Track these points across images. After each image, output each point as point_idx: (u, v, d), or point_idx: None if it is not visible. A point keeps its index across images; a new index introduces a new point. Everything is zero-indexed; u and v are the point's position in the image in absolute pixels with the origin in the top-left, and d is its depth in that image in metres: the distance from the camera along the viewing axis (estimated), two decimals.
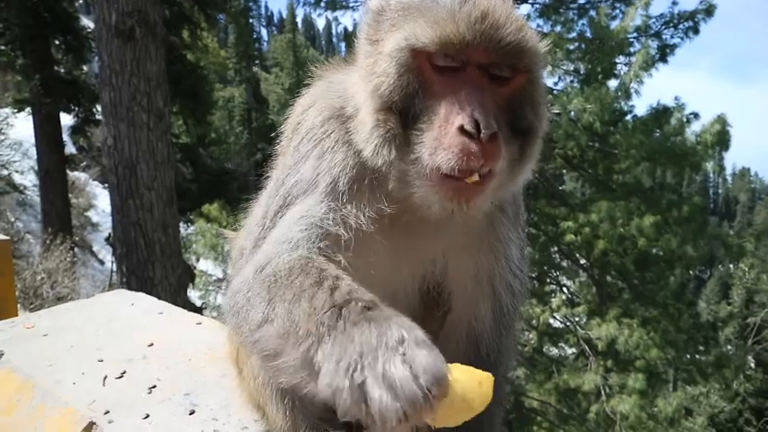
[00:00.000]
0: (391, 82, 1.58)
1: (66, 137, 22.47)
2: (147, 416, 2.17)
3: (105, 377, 2.42)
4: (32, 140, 21.67)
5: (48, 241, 15.88)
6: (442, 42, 1.52)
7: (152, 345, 2.75)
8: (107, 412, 2.17)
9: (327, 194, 1.72)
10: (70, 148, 24.83)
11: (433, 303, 2.02)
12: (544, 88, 1.74)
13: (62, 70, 21.08)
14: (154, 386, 2.38)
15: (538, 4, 18.40)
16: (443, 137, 1.50)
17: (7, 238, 4.69)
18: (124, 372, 2.48)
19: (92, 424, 2.11)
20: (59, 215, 20.16)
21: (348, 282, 1.47)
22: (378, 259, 1.78)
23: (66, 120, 21.98)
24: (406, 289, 1.96)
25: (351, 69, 1.86)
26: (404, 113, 1.58)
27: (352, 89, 1.76)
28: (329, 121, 1.81)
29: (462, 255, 1.89)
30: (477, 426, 1.52)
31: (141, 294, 3.46)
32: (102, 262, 26.55)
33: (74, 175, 25.89)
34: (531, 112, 1.67)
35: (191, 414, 2.23)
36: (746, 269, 35.78)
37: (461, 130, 1.47)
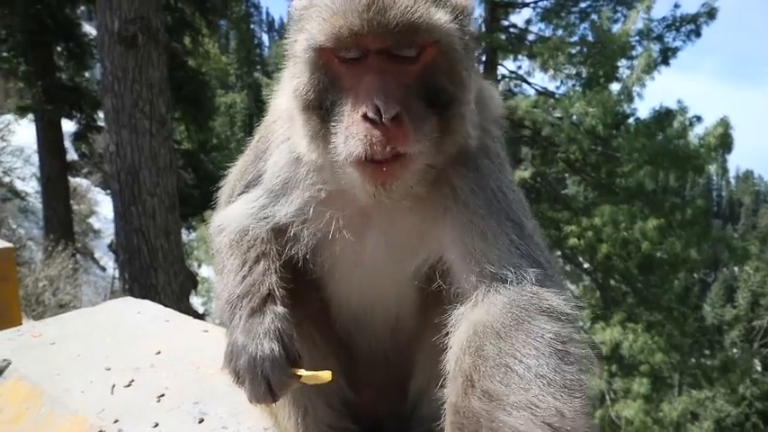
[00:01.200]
0: (305, 81, 1.68)
1: (68, 143, 22.49)
2: (157, 424, 2.15)
3: (114, 385, 2.39)
4: (34, 147, 21.71)
5: (49, 248, 15.88)
6: (336, 38, 1.57)
7: (159, 353, 2.73)
8: (116, 421, 2.15)
9: (266, 190, 1.93)
10: (72, 155, 24.83)
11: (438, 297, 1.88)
12: (462, 53, 1.68)
13: (64, 77, 21.12)
14: (162, 395, 2.35)
15: (539, 8, 18.43)
16: (351, 126, 1.57)
17: (11, 245, 4.67)
18: (132, 380, 2.45)
19: None
20: (61, 222, 20.17)
21: (265, 265, 1.83)
22: (354, 257, 1.86)
23: (69, 126, 22.03)
24: (395, 283, 1.93)
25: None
26: (321, 109, 1.66)
27: (285, 95, 1.88)
28: (274, 123, 1.99)
29: (444, 242, 1.78)
30: None
31: (147, 302, 3.44)
32: (103, 269, 26.54)
33: (75, 181, 25.89)
34: (449, 81, 1.65)
35: (200, 422, 2.20)
36: (751, 272, 35.71)
37: (365, 117, 1.52)
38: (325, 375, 1.69)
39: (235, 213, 1.98)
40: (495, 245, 1.69)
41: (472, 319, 1.64)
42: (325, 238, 1.84)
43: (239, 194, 2.04)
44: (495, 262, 1.67)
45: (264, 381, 1.66)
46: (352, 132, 1.55)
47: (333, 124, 1.63)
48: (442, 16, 1.59)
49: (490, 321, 1.59)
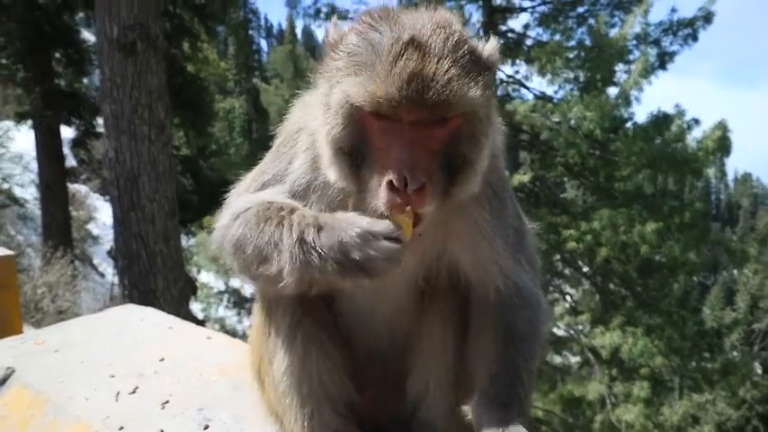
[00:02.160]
0: (339, 130, 1.77)
1: (66, 150, 22.47)
2: (162, 431, 2.15)
3: (118, 393, 2.40)
4: (33, 153, 21.68)
5: (48, 254, 15.84)
6: (373, 105, 1.67)
7: (163, 359, 2.73)
8: (121, 428, 2.15)
9: (288, 191, 2.00)
10: (71, 161, 24.82)
11: (455, 298, 2.08)
12: (486, 122, 1.84)
13: (63, 83, 21.12)
14: (167, 401, 2.35)
15: (537, 13, 18.50)
16: (379, 187, 1.71)
17: (11, 252, 4.68)
18: (136, 387, 2.45)
19: None
20: (60, 228, 20.11)
21: (300, 212, 1.83)
22: None
23: (67, 132, 22.01)
24: (398, 285, 2.05)
25: (315, 90, 2.01)
26: (352, 156, 1.78)
27: (314, 115, 1.93)
28: (298, 131, 2.06)
29: (452, 250, 2.00)
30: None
31: (150, 309, 3.44)
32: (102, 275, 26.48)
33: (74, 187, 25.84)
34: (468, 147, 1.79)
35: (205, 429, 2.21)
36: (750, 274, 35.74)
37: (391, 185, 1.67)
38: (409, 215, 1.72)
39: (252, 198, 2.02)
40: (503, 258, 1.97)
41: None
42: None
43: (254, 192, 2.08)
44: (502, 276, 1.97)
45: (381, 239, 1.67)
46: (379, 192, 1.71)
47: (364, 170, 1.77)
48: (474, 91, 1.71)
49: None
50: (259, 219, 1.87)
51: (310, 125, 1.97)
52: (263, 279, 1.86)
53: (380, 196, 1.70)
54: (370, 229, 1.68)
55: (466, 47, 1.73)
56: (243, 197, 2.10)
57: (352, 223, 1.71)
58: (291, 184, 2.01)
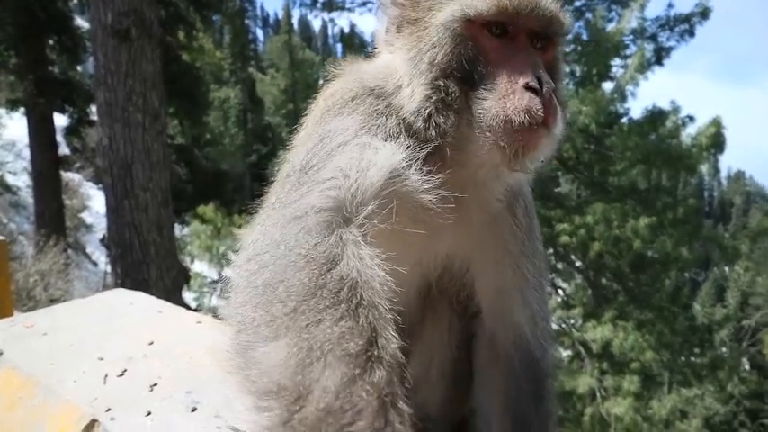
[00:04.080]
0: (448, 51, 1.70)
1: (59, 137, 22.35)
2: (149, 413, 2.15)
3: (106, 375, 2.39)
4: (26, 141, 21.57)
5: (41, 243, 15.79)
6: (498, 10, 1.67)
7: (152, 343, 2.72)
8: (109, 409, 2.15)
9: (341, 175, 1.63)
10: (64, 149, 24.70)
11: (460, 302, 2.03)
12: (564, 63, 1.92)
13: (56, 70, 20.98)
14: (155, 384, 2.35)
15: None
16: (511, 95, 1.63)
17: (3, 238, 4.65)
18: (125, 370, 2.45)
19: (94, 421, 2.08)
20: (53, 216, 20.04)
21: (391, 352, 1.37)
22: (384, 250, 1.69)
23: (60, 120, 21.88)
24: (410, 282, 1.94)
25: (377, 59, 1.96)
26: (462, 79, 1.69)
27: (389, 70, 1.85)
28: (358, 98, 1.82)
29: (478, 261, 1.92)
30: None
31: (140, 293, 3.43)
32: (95, 263, 26.41)
33: (67, 176, 25.71)
34: (560, 85, 1.83)
35: (193, 411, 2.20)
36: (741, 271, 35.95)
37: (527, 87, 1.62)
38: None
39: (304, 225, 1.52)
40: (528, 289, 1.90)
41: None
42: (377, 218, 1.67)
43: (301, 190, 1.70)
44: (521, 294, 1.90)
45: None
46: (511, 100, 1.62)
47: (476, 95, 1.67)
48: (568, 18, 1.82)
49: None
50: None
51: (383, 85, 1.82)
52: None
53: (516, 99, 1.61)
54: None
55: None
56: (287, 208, 1.62)
57: None
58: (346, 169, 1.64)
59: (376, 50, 2.01)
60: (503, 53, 1.70)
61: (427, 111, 1.71)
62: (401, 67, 1.80)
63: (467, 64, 1.69)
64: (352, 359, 1.29)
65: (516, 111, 1.61)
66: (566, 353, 20.13)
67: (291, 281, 1.41)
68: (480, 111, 1.66)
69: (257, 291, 1.47)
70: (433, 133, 1.72)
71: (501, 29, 1.70)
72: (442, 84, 1.69)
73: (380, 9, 1.95)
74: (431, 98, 1.71)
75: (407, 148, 1.71)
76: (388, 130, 1.75)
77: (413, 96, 1.74)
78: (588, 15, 17.81)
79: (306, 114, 2.05)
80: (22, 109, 20.74)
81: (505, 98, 1.63)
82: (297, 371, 1.30)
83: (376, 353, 1.33)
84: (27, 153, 22.16)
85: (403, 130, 1.75)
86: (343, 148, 1.68)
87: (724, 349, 26.35)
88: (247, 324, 1.47)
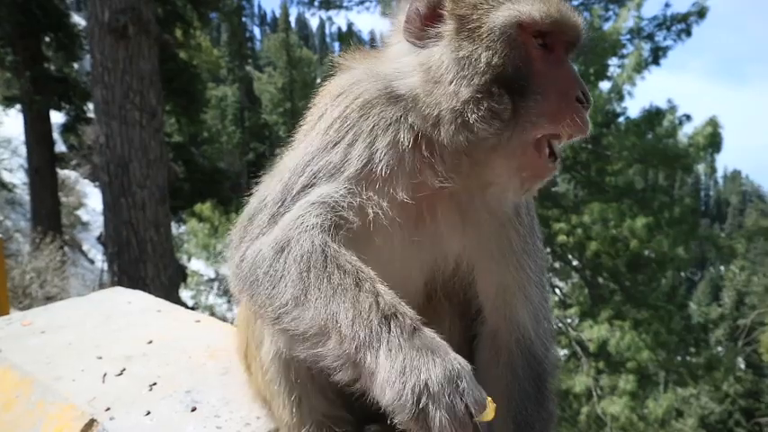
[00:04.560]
0: (503, 55, 1.68)
1: (56, 135, 22.27)
2: (149, 413, 2.15)
3: (105, 374, 2.39)
4: (22, 138, 21.49)
5: (37, 240, 15.73)
6: (552, 20, 1.69)
7: (151, 342, 2.72)
8: (108, 409, 2.14)
9: (351, 179, 1.74)
10: (60, 147, 24.61)
11: (462, 302, 2.03)
12: None
13: (53, 67, 20.90)
14: (154, 383, 2.34)
15: None
16: (564, 106, 1.67)
17: None
18: (124, 369, 2.44)
19: (93, 421, 2.08)
20: (49, 214, 19.99)
21: (386, 288, 1.56)
22: (389, 248, 1.81)
23: (57, 117, 21.80)
24: (414, 278, 1.96)
25: (386, 55, 1.90)
26: (512, 88, 1.68)
27: (403, 71, 1.80)
28: (370, 103, 1.81)
29: (483, 260, 1.94)
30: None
31: (138, 292, 3.42)
32: (92, 261, 26.35)
33: (64, 173, 25.63)
34: None
35: (192, 411, 2.20)
36: (737, 271, 36.10)
37: (578, 99, 1.68)
38: (491, 410, 1.46)
39: (305, 223, 1.69)
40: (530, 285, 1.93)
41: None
42: (376, 229, 1.75)
43: (301, 190, 1.78)
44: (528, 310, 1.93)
45: (463, 401, 1.38)
46: (565, 112, 1.66)
47: (523, 100, 1.67)
48: None
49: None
50: (327, 263, 1.59)
51: (397, 89, 1.79)
52: (284, 325, 1.60)
53: (570, 112, 1.66)
54: (468, 383, 1.41)
55: None
56: (288, 208, 1.76)
57: (454, 357, 1.44)
58: (357, 172, 1.74)
59: (388, 40, 1.94)
60: (549, 63, 1.72)
61: (470, 115, 1.67)
62: (442, 64, 1.72)
63: (518, 71, 1.68)
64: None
65: (569, 123, 1.66)
66: (562, 352, 20.17)
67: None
68: (526, 121, 1.67)
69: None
70: (461, 138, 1.70)
71: (544, 39, 1.72)
72: (495, 90, 1.67)
73: (397, 2, 1.91)
74: (480, 103, 1.67)
75: (414, 155, 1.74)
76: (396, 137, 1.76)
77: (456, 96, 1.69)
78: (586, 14, 17.82)
79: (309, 108, 2.02)
80: (18, 106, 20.64)
81: (558, 109, 1.67)
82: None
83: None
84: (23, 150, 22.08)
85: (413, 137, 1.75)
86: (327, 182, 1.76)
87: (719, 348, 26.46)
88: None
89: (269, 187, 1.88)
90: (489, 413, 1.45)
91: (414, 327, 1.48)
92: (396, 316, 1.48)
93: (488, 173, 1.74)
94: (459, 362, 1.44)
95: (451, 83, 1.70)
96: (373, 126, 1.78)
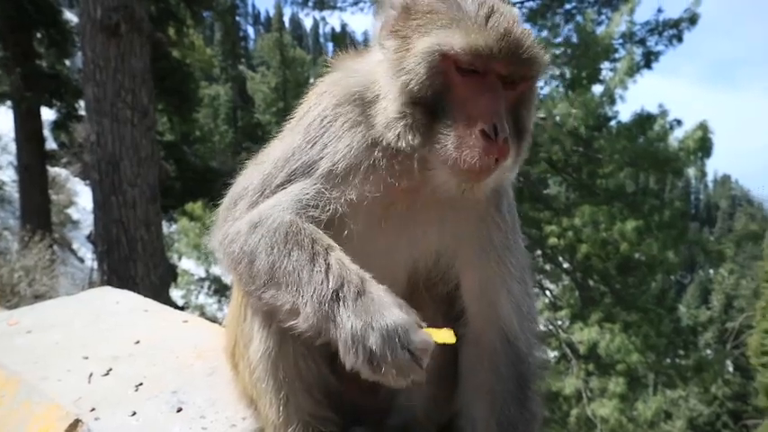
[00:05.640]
0: (420, 80, 1.75)
1: (46, 132, 22.11)
2: (134, 413, 2.14)
3: (91, 374, 2.38)
4: (12, 135, 21.31)
5: (26, 238, 15.58)
6: (472, 52, 1.70)
7: (138, 342, 2.71)
8: (93, 409, 2.14)
9: (321, 178, 1.88)
10: (51, 144, 24.44)
11: (445, 301, 2.06)
12: (538, 92, 1.99)
13: (44, 64, 20.73)
14: (141, 383, 2.34)
15: (525, 8, 18.54)
16: (467, 137, 1.71)
17: None
18: (110, 369, 2.44)
19: (78, 421, 2.07)
20: (38, 212, 19.83)
21: (337, 256, 1.73)
22: (370, 245, 1.91)
23: (48, 115, 21.64)
24: (396, 275, 2.01)
25: (366, 57, 1.99)
26: (428, 109, 1.76)
27: (373, 76, 1.90)
28: (342, 105, 1.94)
29: (463, 255, 1.98)
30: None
31: (126, 292, 3.41)
32: (81, 260, 26.16)
33: (54, 171, 25.43)
34: (527, 114, 1.89)
35: (178, 411, 2.20)
36: (726, 274, 36.40)
37: (483, 133, 1.68)
38: (451, 336, 1.66)
39: (278, 207, 1.86)
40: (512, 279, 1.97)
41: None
42: (352, 224, 1.88)
43: (280, 185, 1.92)
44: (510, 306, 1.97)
45: (405, 350, 1.57)
46: (467, 143, 1.70)
47: (439, 127, 1.74)
48: (546, 58, 1.85)
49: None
50: (288, 240, 1.76)
51: (363, 91, 1.91)
52: (266, 301, 1.77)
53: (471, 144, 1.69)
54: (406, 334, 1.58)
55: (528, 28, 1.85)
56: (267, 197, 1.92)
57: (392, 313, 1.61)
58: (327, 172, 1.88)
59: (370, 45, 2.03)
60: (470, 90, 1.75)
61: (396, 130, 1.78)
62: (382, 78, 1.85)
63: (435, 96, 1.75)
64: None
65: (468, 156, 1.69)
66: (552, 354, 20.25)
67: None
68: (438, 145, 1.74)
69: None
70: (402, 145, 1.79)
71: (475, 67, 1.74)
72: (410, 111, 1.76)
73: (380, 5, 1.98)
74: (399, 120, 1.78)
75: (376, 155, 1.85)
76: (360, 138, 1.88)
77: (386, 112, 1.81)
78: (579, 18, 17.92)
79: (300, 104, 2.12)
80: (8, 102, 20.46)
81: (461, 140, 1.71)
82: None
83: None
84: (13, 147, 21.90)
85: (373, 139, 1.86)
86: (302, 179, 1.90)
87: (708, 351, 26.65)
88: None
89: (252, 175, 2.01)
90: (449, 338, 1.64)
91: (357, 291, 1.65)
92: (342, 286, 1.65)
93: (430, 175, 1.82)
94: (397, 315, 1.60)
95: (384, 98, 1.83)
96: (341, 126, 1.91)
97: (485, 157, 1.68)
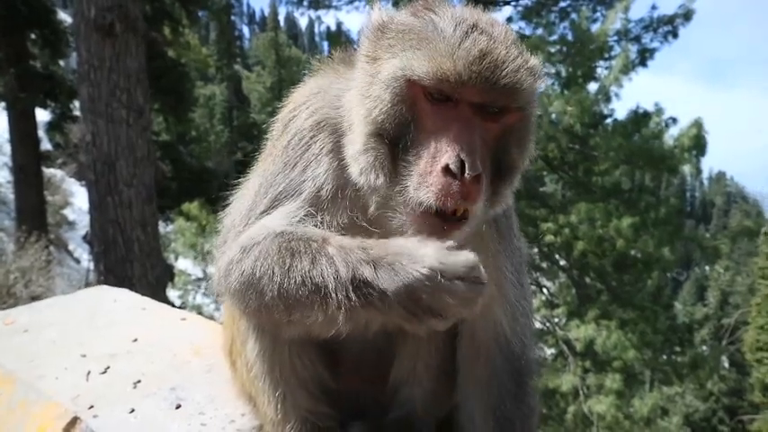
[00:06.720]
0: (384, 109, 1.58)
1: (41, 133, 22.03)
2: (133, 410, 2.14)
3: (89, 372, 2.38)
4: (6, 136, 21.23)
5: (22, 239, 15.54)
6: (438, 79, 1.51)
7: (136, 340, 2.71)
8: (91, 407, 2.13)
9: (308, 202, 1.76)
10: (46, 145, 24.36)
11: None
12: (534, 124, 1.75)
13: (38, 64, 20.65)
14: (139, 381, 2.34)
15: (520, 6, 18.56)
16: (429, 174, 1.52)
17: None
18: (108, 367, 2.44)
19: (76, 419, 2.07)
20: (34, 212, 19.76)
21: (335, 244, 1.57)
22: None
23: (42, 115, 21.57)
24: None
25: (348, 76, 1.84)
26: (394, 142, 1.59)
27: (348, 103, 1.76)
28: (318, 127, 1.82)
29: None
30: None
31: (124, 290, 3.41)
32: (77, 261, 26.07)
33: (50, 172, 25.35)
34: (517, 149, 1.70)
35: (177, 408, 2.20)
36: (721, 271, 36.54)
37: (446, 169, 1.49)
38: None
39: (265, 226, 1.73)
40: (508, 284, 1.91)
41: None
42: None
43: (265, 211, 1.81)
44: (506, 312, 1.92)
45: (454, 280, 1.42)
46: (427, 181, 1.51)
47: (403, 163, 1.57)
48: (536, 85, 1.60)
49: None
50: (283, 253, 1.58)
51: (337, 118, 1.77)
52: (298, 320, 1.60)
53: (431, 183, 1.50)
54: (444, 268, 1.41)
55: (521, 46, 1.62)
56: (253, 224, 1.79)
57: (414, 257, 1.44)
58: (313, 195, 1.76)
59: (352, 58, 1.88)
60: (439, 121, 1.56)
61: (359, 165, 1.65)
62: (354, 106, 1.70)
63: (402, 128, 1.58)
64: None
65: (428, 194, 1.51)
66: (549, 351, 20.29)
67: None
68: (403, 182, 1.57)
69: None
70: (362, 182, 1.66)
71: (442, 95, 1.56)
72: (374, 144, 1.60)
73: (366, 19, 1.85)
74: (363, 154, 1.63)
75: (349, 183, 1.72)
76: (337, 165, 1.76)
77: (354, 144, 1.68)
78: (574, 16, 17.94)
79: (276, 116, 2.04)
80: (2, 104, 20.38)
81: (423, 176, 1.53)
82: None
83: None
84: (8, 148, 21.81)
85: (336, 176, 1.76)
86: (286, 203, 1.78)
87: (704, 348, 26.71)
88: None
89: (238, 209, 1.93)
90: None
91: (373, 265, 1.47)
92: (357, 270, 1.48)
93: (387, 217, 1.65)
94: (421, 257, 1.43)
95: (352, 129, 1.69)
96: (320, 150, 1.78)
97: (446, 199, 1.49)
